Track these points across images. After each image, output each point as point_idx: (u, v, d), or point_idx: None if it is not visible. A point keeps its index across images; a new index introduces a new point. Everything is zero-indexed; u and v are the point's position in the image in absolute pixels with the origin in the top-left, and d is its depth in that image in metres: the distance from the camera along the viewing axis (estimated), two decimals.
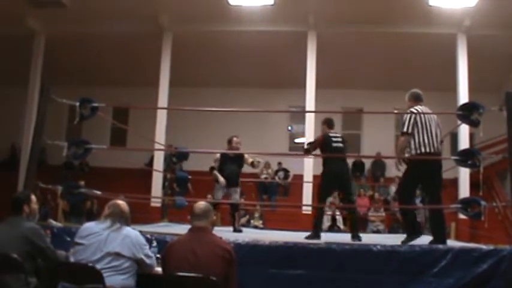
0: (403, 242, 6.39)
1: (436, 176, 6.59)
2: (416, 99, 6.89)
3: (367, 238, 7.96)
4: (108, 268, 4.28)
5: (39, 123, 6.58)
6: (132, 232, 4.57)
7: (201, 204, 4.55)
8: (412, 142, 6.52)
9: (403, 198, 6.79)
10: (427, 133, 6.47)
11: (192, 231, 4.40)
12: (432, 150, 6.44)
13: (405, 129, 6.55)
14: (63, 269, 4.55)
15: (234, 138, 9.71)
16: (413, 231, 6.64)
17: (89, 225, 4.61)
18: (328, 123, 8.20)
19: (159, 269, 4.64)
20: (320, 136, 8.26)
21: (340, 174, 7.80)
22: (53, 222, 6.74)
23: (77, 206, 13.77)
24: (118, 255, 4.37)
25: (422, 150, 6.43)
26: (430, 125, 6.51)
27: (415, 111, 6.60)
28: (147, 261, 4.56)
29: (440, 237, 6.35)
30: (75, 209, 13.87)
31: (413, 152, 6.54)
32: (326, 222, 15.81)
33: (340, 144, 7.91)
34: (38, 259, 4.80)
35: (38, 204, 5.26)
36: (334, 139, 7.92)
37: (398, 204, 6.81)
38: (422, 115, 6.53)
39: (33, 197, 5.13)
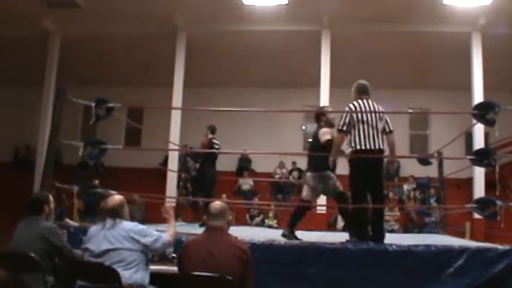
0: (349, 241, 6.28)
1: (377, 173, 6.47)
2: (360, 92, 6.69)
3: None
4: (112, 265, 4.32)
5: (56, 124, 6.62)
6: (126, 225, 4.59)
7: (218, 204, 4.56)
8: (350, 139, 6.43)
9: (354, 199, 6.50)
10: (363, 129, 6.34)
11: (208, 231, 4.41)
12: (371, 147, 6.32)
13: (340, 127, 6.46)
14: (79, 268, 4.59)
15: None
16: (362, 232, 6.33)
17: (91, 229, 4.69)
18: (212, 129, 9.95)
19: (173, 268, 4.67)
20: (207, 140, 9.84)
21: (215, 178, 10.02)
22: (70, 222, 6.79)
23: (93, 205, 13.82)
24: (117, 249, 4.41)
25: (358, 147, 6.31)
26: (369, 121, 6.37)
27: (352, 106, 6.46)
28: (154, 243, 4.57)
29: (380, 235, 6.29)
30: (91, 209, 13.93)
31: (350, 149, 6.45)
32: (340, 222, 15.79)
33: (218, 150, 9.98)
34: (55, 258, 4.85)
35: (54, 203, 5.32)
36: (216, 146, 9.82)
37: (352, 203, 6.72)
38: (362, 110, 6.40)
39: (50, 197, 5.19)
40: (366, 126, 6.35)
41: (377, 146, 6.37)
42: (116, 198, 4.81)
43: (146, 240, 4.53)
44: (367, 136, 6.32)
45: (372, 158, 6.30)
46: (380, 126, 6.46)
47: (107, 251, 4.40)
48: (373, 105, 6.55)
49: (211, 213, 4.45)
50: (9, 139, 19.83)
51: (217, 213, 4.43)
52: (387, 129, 6.59)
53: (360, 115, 6.35)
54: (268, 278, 5.25)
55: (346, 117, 6.42)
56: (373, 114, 6.40)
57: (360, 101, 6.53)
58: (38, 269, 4.55)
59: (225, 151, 10.32)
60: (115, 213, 4.64)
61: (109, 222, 4.56)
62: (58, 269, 4.88)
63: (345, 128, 6.41)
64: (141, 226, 4.66)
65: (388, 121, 6.61)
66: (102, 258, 4.36)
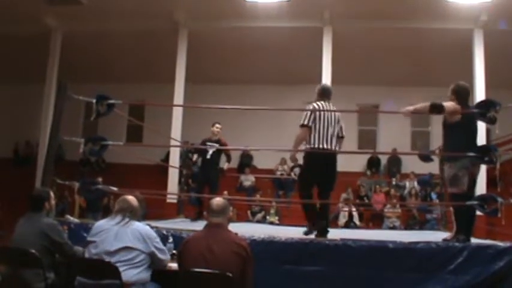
0: (305, 233, 6.51)
1: (329, 172, 6.74)
2: (321, 95, 6.98)
3: (383, 234, 7.95)
4: (120, 262, 4.33)
5: (57, 120, 6.61)
6: (141, 226, 4.61)
7: (219, 200, 4.56)
8: (310, 136, 6.65)
9: (301, 192, 6.89)
10: (322, 130, 6.61)
11: (208, 227, 4.41)
12: (326, 146, 6.58)
13: (303, 122, 6.69)
14: (80, 264, 4.59)
15: None
16: (314, 223, 6.64)
17: (100, 223, 4.68)
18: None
19: (172, 265, 4.68)
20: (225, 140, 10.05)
21: None
22: (70, 218, 6.79)
23: (94, 202, 13.85)
24: (129, 248, 4.42)
25: (316, 146, 6.58)
26: (327, 123, 6.65)
27: (316, 106, 6.73)
28: (159, 254, 4.59)
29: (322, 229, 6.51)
30: (92, 205, 13.96)
31: (308, 146, 6.70)
32: (342, 219, 15.80)
33: None
34: (56, 254, 4.86)
35: (55, 200, 5.33)
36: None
37: (299, 197, 6.97)
38: (322, 112, 6.67)
39: (51, 193, 5.20)
40: (325, 127, 6.64)
41: (332, 147, 6.68)
42: (135, 198, 4.82)
43: (154, 247, 4.55)
44: (325, 136, 6.62)
45: (326, 158, 6.64)
46: (336, 129, 6.76)
47: (119, 250, 4.41)
48: (332, 108, 6.85)
49: (212, 209, 4.44)
50: (10, 135, 19.89)
51: (218, 209, 4.42)
52: (340, 134, 6.88)
53: (321, 115, 6.65)
54: (269, 274, 5.26)
55: (312, 114, 6.68)
56: (332, 117, 6.71)
57: (322, 102, 6.80)
58: (38, 265, 4.56)
59: (226, 147, 10.27)
60: (133, 212, 4.66)
61: (124, 219, 4.58)
62: (58, 265, 4.89)
63: (310, 124, 6.65)
64: (153, 233, 4.69)
65: (343, 126, 6.92)
66: (113, 256, 4.37)
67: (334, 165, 6.78)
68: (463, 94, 6.60)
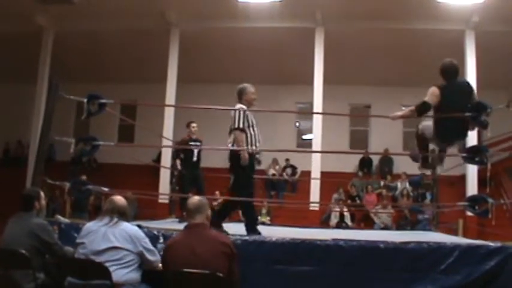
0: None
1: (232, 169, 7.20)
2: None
3: (374, 234, 7.94)
4: (109, 262, 4.31)
5: (47, 120, 6.58)
6: (129, 226, 4.59)
7: (195, 199, 4.52)
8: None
9: (240, 193, 7.05)
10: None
11: (189, 228, 4.37)
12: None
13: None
14: (70, 265, 4.57)
15: None
16: (255, 225, 6.85)
17: (89, 225, 4.66)
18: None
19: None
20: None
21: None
22: (61, 218, 6.75)
23: (81, 201, 13.77)
24: (117, 248, 4.39)
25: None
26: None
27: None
28: (148, 255, 4.56)
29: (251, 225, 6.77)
30: (79, 205, 13.87)
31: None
32: (334, 219, 15.81)
33: None
34: (46, 255, 4.84)
35: (46, 200, 5.31)
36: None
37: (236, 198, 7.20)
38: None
39: (41, 193, 5.18)
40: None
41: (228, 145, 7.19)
42: (123, 199, 4.80)
43: (143, 247, 4.53)
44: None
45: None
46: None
47: (107, 249, 4.39)
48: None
49: (189, 209, 4.39)
50: (1, 135, 19.82)
51: (195, 209, 4.38)
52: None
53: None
54: (260, 274, 5.24)
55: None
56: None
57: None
58: (28, 265, 4.54)
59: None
60: (121, 213, 4.64)
61: (112, 220, 4.55)
62: (49, 265, 4.86)
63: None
64: (142, 233, 4.67)
65: (233, 119, 7.41)
66: (100, 256, 4.35)
67: (231, 161, 7.21)
68: (449, 72, 6.81)
